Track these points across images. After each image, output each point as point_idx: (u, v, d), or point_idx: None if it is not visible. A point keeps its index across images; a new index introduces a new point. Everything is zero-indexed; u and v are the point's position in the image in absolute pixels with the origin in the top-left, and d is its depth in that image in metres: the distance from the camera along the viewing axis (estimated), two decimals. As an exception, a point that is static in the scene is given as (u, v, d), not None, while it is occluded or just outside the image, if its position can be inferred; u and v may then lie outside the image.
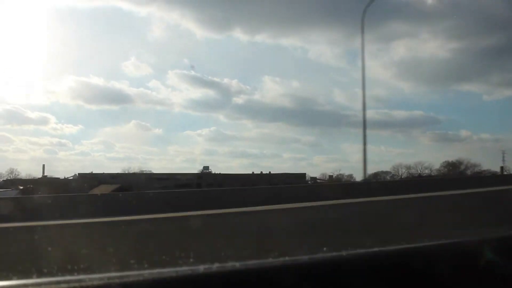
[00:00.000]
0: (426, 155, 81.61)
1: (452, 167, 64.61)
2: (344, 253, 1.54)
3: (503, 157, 69.73)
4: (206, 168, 77.58)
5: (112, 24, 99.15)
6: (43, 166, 63.37)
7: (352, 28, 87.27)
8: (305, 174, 67.66)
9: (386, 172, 67.12)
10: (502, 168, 58.16)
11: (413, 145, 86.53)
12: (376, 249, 1.56)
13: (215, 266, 1.40)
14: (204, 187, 53.76)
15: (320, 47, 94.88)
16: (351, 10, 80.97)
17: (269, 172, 74.51)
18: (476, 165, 64.36)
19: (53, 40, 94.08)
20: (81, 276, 1.32)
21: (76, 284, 1.28)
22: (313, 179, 65.57)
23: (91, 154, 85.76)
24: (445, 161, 65.74)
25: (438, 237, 1.70)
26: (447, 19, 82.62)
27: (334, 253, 1.53)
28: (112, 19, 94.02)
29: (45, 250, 5.35)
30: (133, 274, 1.31)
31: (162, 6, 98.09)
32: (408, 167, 63.69)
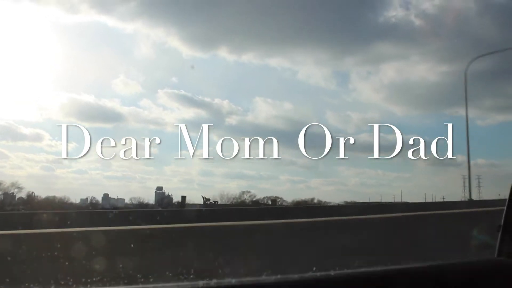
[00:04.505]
0: (422, 179, 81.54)
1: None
2: (332, 273, 1.64)
3: (479, 182, 66.85)
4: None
5: (98, 40, 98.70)
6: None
7: (338, 48, 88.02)
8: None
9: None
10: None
11: (409, 170, 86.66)
12: (363, 269, 1.65)
13: (213, 282, 1.50)
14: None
15: (308, 68, 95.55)
16: (336, 31, 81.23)
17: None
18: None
19: (41, 56, 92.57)
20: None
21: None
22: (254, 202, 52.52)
23: (88, 172, 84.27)
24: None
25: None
26: (436, 42, 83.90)
27: (323, 273, 1.64)
28: (98, 35, 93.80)
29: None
30: None
31: (147, 23, 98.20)
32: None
